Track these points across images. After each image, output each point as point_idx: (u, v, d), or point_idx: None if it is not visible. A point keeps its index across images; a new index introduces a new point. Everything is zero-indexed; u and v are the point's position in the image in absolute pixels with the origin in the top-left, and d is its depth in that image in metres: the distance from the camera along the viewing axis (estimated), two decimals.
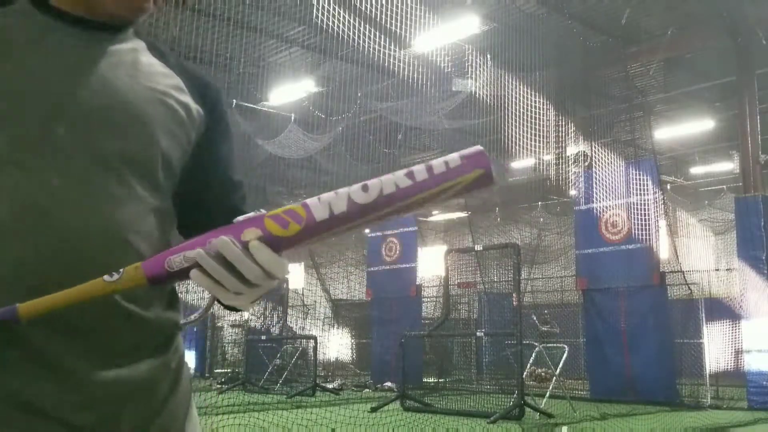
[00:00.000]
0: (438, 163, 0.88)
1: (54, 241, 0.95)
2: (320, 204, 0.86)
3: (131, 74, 1.07)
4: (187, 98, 1.13)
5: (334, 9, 9.13)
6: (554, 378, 10.35)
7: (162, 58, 1.15)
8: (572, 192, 13.16)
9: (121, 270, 0.88)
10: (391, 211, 0.86)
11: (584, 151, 12.52)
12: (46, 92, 1.00)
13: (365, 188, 0.86)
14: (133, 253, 1.01)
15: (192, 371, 18.13)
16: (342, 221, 0.86)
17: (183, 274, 0.88)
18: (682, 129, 15.68)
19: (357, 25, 9.40)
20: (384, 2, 9.11)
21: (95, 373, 0.98)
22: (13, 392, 0.93)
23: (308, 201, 0.88)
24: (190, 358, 18.87)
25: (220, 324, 18.44)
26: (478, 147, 0.89)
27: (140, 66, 1.09)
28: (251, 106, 13.67)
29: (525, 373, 9.95)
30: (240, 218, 0.91)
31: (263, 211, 0.92)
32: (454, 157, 0.88)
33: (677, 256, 11.66)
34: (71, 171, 0.98)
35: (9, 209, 0.94)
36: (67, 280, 0.93)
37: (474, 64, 11.33)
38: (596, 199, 11.93)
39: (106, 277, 0.88)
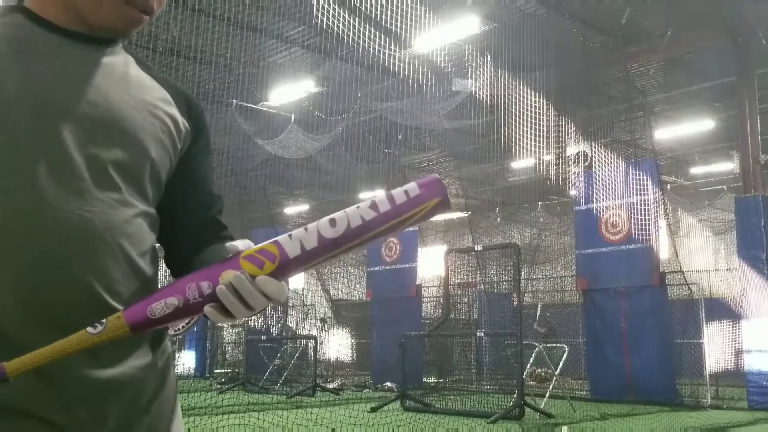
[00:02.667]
0: (398, 194, 0.92)
1: (43, 246, 0.96)
2: (291, 241, 0.91)
3: (122, 86, 1.10)
4: (174, 111, 1.16)
5: (334, 9, 9.13)
6: (554, 378, 10.35)
7: (149, 72, 1.18)
8: (572, 192, 13.15)
9: (104, 321, 0.90)
10: (359, 242, 0.91)
11: (584, 151, 12.51)
12: (43, 101, 1.01)
13: (333, 222, 0.91)
14: (124, 257, 1.03)
15: (192, 371, 18.21)
16: (314, 256, 0.90)
17: (165, 320, 0.92)
18: (682, 129, 15.66)
19: (357, 25, 9.40)
20: (384, 2, 9.10)
21: (82, 371, 0.98)
22: None
23: (279, 238, 0.92)
24: (190, 358, 18.86)
25: (220, 324, 18.39)
26: (435, 175, 0.94)
27: (130, 78, 1.13)
28: (251, 106, 13.67)
29: (525, 373, 9.95)
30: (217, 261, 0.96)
31: (246, 247, 0.95)
32: (412, 186, 0.93)
33: (677, 256, 11.66)
34: (66, 177, 1.00)
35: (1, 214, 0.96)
36: (59, 284, 0.96)
37: (474, 64, 11.32)
38: (596, 199, 11.92)
39: (89, 329, 0.89)
